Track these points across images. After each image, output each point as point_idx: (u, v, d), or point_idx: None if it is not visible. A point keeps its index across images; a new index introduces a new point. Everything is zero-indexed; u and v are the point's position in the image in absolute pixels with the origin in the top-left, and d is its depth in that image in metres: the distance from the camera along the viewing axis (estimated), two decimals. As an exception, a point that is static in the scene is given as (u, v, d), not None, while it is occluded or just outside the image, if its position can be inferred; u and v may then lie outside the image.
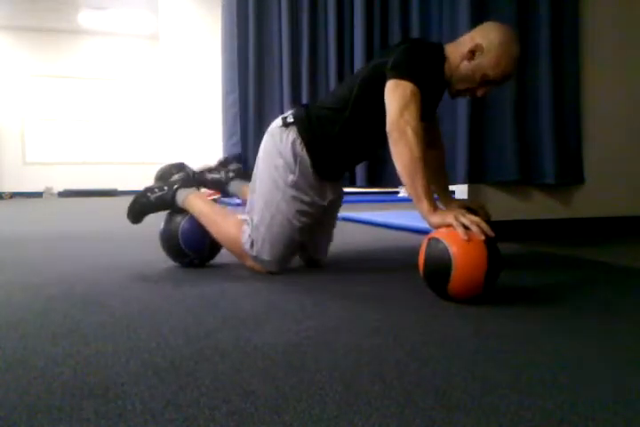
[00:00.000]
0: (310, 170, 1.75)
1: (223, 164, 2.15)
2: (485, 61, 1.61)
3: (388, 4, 2.42)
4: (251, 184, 1.85)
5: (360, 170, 2.48)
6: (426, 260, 1.40)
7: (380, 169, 2.49)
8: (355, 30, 2.43)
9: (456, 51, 1.65)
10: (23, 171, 10.20)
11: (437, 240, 1.38)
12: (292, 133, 1.75)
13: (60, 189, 10.12)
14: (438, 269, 1.36)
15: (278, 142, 1.76)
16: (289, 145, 1.74)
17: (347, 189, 2.14)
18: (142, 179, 8.51)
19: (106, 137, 10.78)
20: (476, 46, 1.61)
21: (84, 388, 0.85)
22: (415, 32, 2.42)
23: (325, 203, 1.82)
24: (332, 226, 1.97)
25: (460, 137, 2.43)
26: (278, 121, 1.82)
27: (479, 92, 1.69)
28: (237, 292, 1.54)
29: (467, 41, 1.65)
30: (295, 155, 1.73)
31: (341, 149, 1.77)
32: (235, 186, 2.10)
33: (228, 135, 2.60)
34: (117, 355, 1.01)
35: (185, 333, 1.14)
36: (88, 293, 1.55)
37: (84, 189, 10.05)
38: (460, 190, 2.73)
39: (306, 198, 1.75)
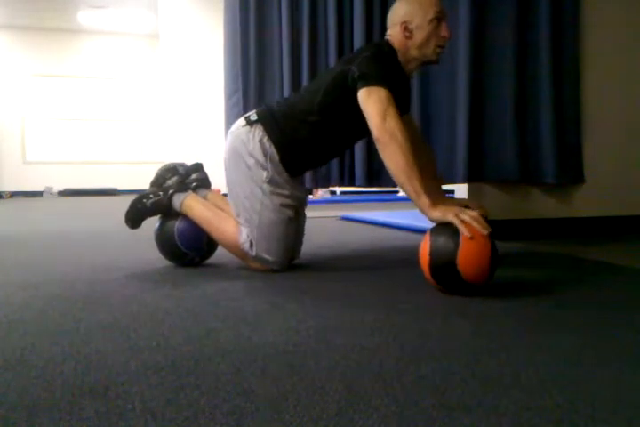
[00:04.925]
0: (280, 165, 1.78)
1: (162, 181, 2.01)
2: (421, 26, 1.68)
3: (388, 2, 2.42)
4: (227, 187, 1.86)
5: (360, 170, 2.47)
6: (431, 239, 1.45)
7: (380, 169, 2.49)
8: (354, 28, 2.43)
9: (396, 40, 1.73)
10: (23, 170, 10.20)
11: (441, 225, 1.46)
12: (258, 132, 1.77)
13: (60, 188, 10.12)
14: (446, 244, 1.40)
15: (246, 142, 1.77)
16: (257, 144, 1.76)
17: (347, 189, 2.14)
18: (142, 178, 8.52)
19: (106, 136, 10.78)
20: (402, 25, 1.69)
21: (84, 387, 0.85)
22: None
23: (302, 195, 1.88)
24: (302, 226, 1.95)
25: (460, 136, 2.43)
26: (241, 121, 1.83)
27: (443, 35, 1.71)
28: (237, 291, 1.54)
29: (395, 28, 1.73)
30: (265, 152, 1.76)
31: (311, 149, 1.82)
32: (200, 195, 2.02)
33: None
34: (117, 354, 1.01)
35: (185, 332, 1.14)
36: (88, 292, 1.55)
37: (84, 189, 10.06)
38: (460, 189, 2.72)
39: (284, 192, 1.79)
